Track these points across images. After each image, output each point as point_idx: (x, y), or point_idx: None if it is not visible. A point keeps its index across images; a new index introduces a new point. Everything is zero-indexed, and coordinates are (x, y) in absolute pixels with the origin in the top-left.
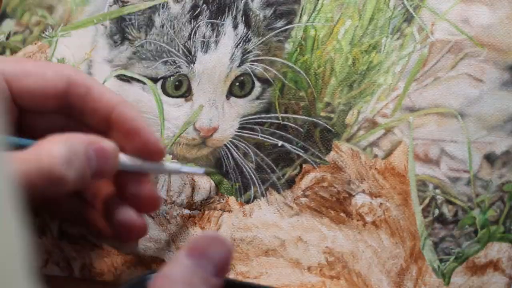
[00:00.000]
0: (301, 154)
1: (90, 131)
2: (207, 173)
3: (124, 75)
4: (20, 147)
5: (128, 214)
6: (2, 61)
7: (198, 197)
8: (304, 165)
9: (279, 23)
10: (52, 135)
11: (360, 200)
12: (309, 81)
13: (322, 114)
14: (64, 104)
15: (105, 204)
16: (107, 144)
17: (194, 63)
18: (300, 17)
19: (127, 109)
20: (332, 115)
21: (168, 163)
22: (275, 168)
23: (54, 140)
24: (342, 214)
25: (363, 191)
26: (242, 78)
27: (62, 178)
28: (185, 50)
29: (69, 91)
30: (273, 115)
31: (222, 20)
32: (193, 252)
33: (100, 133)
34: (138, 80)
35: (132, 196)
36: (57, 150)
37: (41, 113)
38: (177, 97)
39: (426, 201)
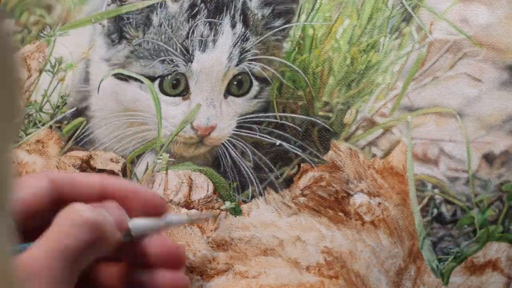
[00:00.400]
0: (299, 153)
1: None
2: (213, 217)
3: (122, 74)
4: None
5: (166, 278)
6: None
7: (195, 196)
8: (302, 165)
9: (277, 22)
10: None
11: (358, 199)
12: (307, 80)
13: (320, 113)
14: (55, 205)
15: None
16: (109, 203)
17: (191, 62)
18: (298, 16)
19: (113, 180)
20: (331, 115)
21: (175, 216)
22: (273, 167)
23: (72, 208)
24: (340, 214)
25: (362, 191)
26: (240, 77)
27: (105, 231)
28: (182, 49)
29: (56, 189)
30: (271, 114)
31: (220, 19)
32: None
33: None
34: (136, 79)
35: (157, 260)
36: (86, 213)
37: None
38: (174, 95)
39: (425, 200)
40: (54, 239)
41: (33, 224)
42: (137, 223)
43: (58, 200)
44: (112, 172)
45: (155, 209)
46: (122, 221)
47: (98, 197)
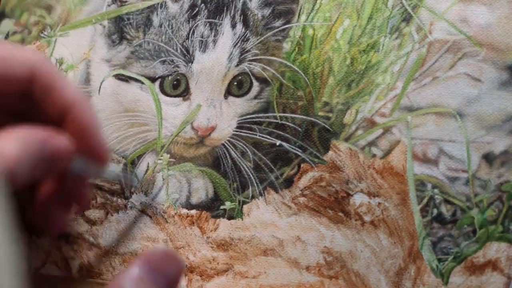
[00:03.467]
0: (299, 153)
1: (46, 120)
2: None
3: (122, 75)
4: None
5: (60, 215)
6: None
7: (195, 196)
8: (302, 165)
9: (277, 23)
10: (7, 130)
11: (358, 199)
12: (307, 80)
13: (320, 113)
14: (25, 91)
15: (42, 204)
16: (62, 143)
17: (192, 63)
18: (298, 16)
19: (85, 108)
20: (330, 115)
21: (110, 169)
22: (273, 167)
23: (8, 137)
24: (340, 214)
25: (362, 191)
26: (240, 77)
27: (13, 176)
28: (183, 50)
29: (33, 79)
30: (271, 114)
31: (220, 19)
32: (147, 265)
33: (54, 124)
34: (136, 80)
35: (68, 196)
36: (10, 150)
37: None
38: (175, 96)
39: (425, 200)
40: None
41: None
42: (79, 165)
43: (31, 86)
44: None
45: (96, 157)
46: (61, 161)
47: (62, 114)
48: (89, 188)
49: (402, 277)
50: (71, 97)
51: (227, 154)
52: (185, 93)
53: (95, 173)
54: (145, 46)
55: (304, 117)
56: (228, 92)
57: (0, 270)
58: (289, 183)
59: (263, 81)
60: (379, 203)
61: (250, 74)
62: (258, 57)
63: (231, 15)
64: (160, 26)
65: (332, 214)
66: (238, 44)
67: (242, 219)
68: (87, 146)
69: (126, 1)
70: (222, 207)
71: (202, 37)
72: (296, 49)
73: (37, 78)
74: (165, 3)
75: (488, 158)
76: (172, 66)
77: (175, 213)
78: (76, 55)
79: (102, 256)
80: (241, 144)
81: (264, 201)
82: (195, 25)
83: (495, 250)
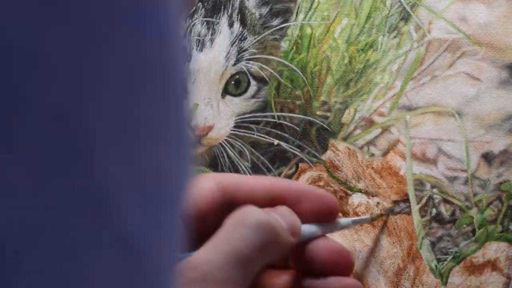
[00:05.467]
0: (297, 153)
1: None
2: (373, 219)
3: None
4: None
5: (341, 284)
6: None
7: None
8: (300, 164)
9: (275, 22)
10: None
11: (357, 199)
12: (305, 79)
13: (319, 113)
14: (223, 209)
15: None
16: (281, 208)
17: (189, 62)
18: (296, 15)
19: (283, 182)
20: (329, 114)
21: (341, 219)
22: (271, 167)
23: (245, 211)
24: (339, 214)
25: (360, 191)
26: (237, 76)
27: (278, 235)
28: None
29: (224, 192)
30: (269, 113)
31: (218, 18)
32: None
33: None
34: None
35: (325, 266)
36: (259, 215)
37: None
38: None
39: (424, 200)
40: (227, 241)
41: (198, 228)
42: (309, 229)
43: (226, 204)
44: None
45: (328, 210)
46: (295, 227)
47: (268, 200)
48: (336, 243)
49: (401, 277)
50: (262, 183)
51: (225, 154)
52: None
53: (329, 231)
54: None
55: (302, 116)
56: (226, 91)
57: None
58: None
59: (261, 80)
60: (378, 203)
61: (248, 73)
62: (256, 56)
63: (229, 14)
64: None
65: None
66: (236, 43)
67: None
68: (312, 207)
69: None
70: None
71: (199, 36)
72: (294, 48)
73: (226, 190)
74: None
75: (487, 157)
76: None
77: None
78: None
79: None
80: (238, 143)
81: None
82: (192, 24)
83: (494, 250)
